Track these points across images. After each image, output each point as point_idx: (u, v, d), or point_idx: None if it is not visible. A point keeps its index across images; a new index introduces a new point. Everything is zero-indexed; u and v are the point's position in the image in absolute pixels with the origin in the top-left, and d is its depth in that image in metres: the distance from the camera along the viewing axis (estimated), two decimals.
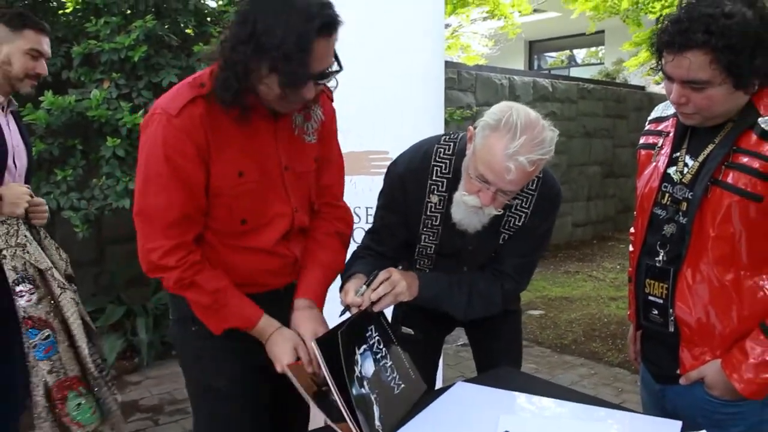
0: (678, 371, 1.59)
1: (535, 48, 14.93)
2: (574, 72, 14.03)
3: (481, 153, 1.59)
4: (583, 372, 4.24)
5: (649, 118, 1.76)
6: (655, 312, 1.61)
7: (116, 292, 4.52)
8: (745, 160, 1.44)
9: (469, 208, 1.65)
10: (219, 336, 1.58)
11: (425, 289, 1.74)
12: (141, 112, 3.70)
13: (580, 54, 15.42)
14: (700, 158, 1.52)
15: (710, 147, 1.50)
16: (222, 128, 1.47)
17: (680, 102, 1.46)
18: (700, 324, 1.52)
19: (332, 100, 1.70)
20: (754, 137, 1.44)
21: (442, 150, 1.80)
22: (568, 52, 15.43)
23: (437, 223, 1.82)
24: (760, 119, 1.44)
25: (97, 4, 3.92)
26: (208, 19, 4.49)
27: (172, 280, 1.49)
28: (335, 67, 1.46)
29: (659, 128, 1.69)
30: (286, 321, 1.60)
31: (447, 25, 9.94)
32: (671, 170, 1.59)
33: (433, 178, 1.79)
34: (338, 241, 1.73)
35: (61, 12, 4.21)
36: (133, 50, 3.75)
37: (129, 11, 4.02)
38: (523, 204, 1.77)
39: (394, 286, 1.62)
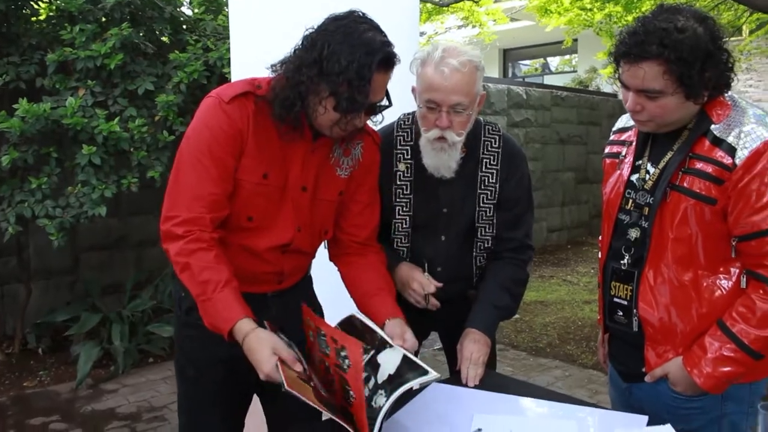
0: (643, 369, 1.65)
1: (509, 56, 15.11)
2: (548, 80, 14.21)
3: (419, 86, 1.77)
4: (557, 374, 4.31)
5: (613, 129, 1.83)
6: (620, 313, 1.67)
7: (91, 299, 4.49)
8: (699, 165, 1.52)
9: (433, 145, 1.77)
10: (197, 324, 1.60)
11: (493, 330, 1.90)
12: (117, 119, 3.70)
13: (554, 62, 15.62)
14: (660, 165, 1.59)
15: (669, 154, 1.58)
16: (263, 130, 1.58)
17: (635, 110, 1.54)
18: (663, 323, 1.59)
19: (378, 145, 1.80)
20: (707, 143, 1.52)
21: (403, 122, 1.94)
22: (542, 60, 15.63)
23: (408, 192, 1.90)
24: (712, 126, 1.52)
25: (71, 11, 3.92)
26: (184, 27, 4.51)
27: (174, 251, 1.52)
28: (385, 102, 1.59)
29: (622, 138, 1.76)
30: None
31: (422, 33, 10.04)
32: (634, 177, 1.66)
33: (398, 147, 1.91)
34: (385, 267, 1.84)
35: (34, 19, 4.19)
36: (108, 58, 3.76)
37: (104, 19, 4.03)
38: (492, 162, 1.89)
39: (480, 358, 1.79)
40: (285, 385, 1.34)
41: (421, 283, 1.85)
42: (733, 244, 1.52)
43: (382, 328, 1.65)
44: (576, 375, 4.29)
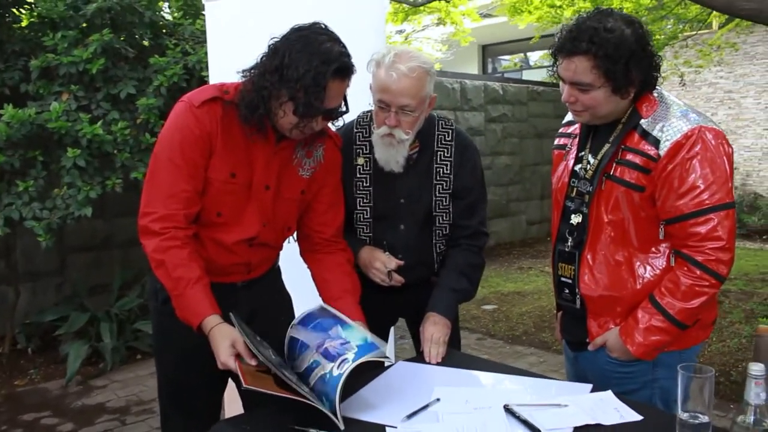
0: (587, 340, 1.82)
1: (488, 52, 15.27)
2: (527, 74, 14.39)
3: (373, 85, 1.90)
4: (532, 360, 4.48)
5: (563, 122, 1.99)
6: (566, 291, 1.85)
7: (79, 299, 4.60)
8: (629, 156, 1.69)
9: (384, 140, 1.92)
10: (173, 313, 1.74)
11: (452, 313, 2.02)
12: (100, 123, 3.82)
13: (534, 57, 15.79)
14: (599, 156, 1.75)
15: (606, 146, 1.74)
16: (230, 132, 1.72)
17: (570, 101, 1.71)
18: (602, 298, 1.76)
19: (339, 149, 1.94)
20: (636, 136, 1.69)
21: (362, 119, 2.08)
22: (521, 55, 15.79)
23: (368, 184, 2.05)
24: (641, 120, 1.69)
25: (53, 18, 4.02)
26: (164, 31, 4.62)
27: (151, 247, 1.65)
28: (343, 108, 1.72)
29: (569, 131, 1.93)
30: (240, 313, 1.74)
31: (400, 31, 10.18)
32: (577, 167, 1.82)
33: (357, 142, 2.06)
34: (351, 266, 1.97)
35: (16, 26, 4.28)
36: (90, 63, 3.87)
37: (85, 25, 4.12)
38: (446, 154, 2.05)
39: (441, 338, 1.92)
40: (243, 383, 1.48)
41: (383, 261, 2.00)
42: (661, 227, 1.69)
43: None
44: (550, 361, 4.46)
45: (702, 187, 1.61)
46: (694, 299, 1.64)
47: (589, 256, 1.76)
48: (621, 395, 1.61)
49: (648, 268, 1.71)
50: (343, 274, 1.92)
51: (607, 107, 1.69)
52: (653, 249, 1.72)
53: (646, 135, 1.67)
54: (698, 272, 1.63)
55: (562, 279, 1.85)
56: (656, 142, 1.64)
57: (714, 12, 7.15)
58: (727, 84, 10.41)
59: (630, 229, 1.71)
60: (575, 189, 1.82)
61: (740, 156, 10.09)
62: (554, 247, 1.91)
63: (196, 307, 1.63)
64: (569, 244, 1.82)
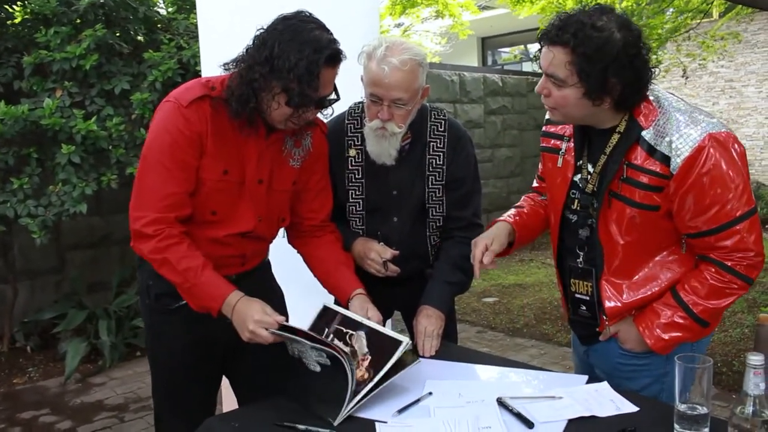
0: (597, 329, 1.75)
1: (487, 44, 15.22)
2: (527, 66, 14.32)
3: (365, 78, 1.87)
4: (533, 353, 4.45)
5: (546, 119, 1.84)
6: (584, 308, 1.76)
7: (78, 297, 4.59)
8: (636, 176, 1.58)
9: (375, 133, 1.89)
10: (166, 310, 1.75)
11: (446, 305, 2.01)
12: (94, 119, 3.79)
13: (534, 48, 15.71)
14: (598, 170, 1.66)
15: (603, 158, 1.64)
16: (220, 129, 1.68)
17: (543, 93, 1.61)
18: (627, 307, 1.69)
19: (326, 135, 1.92)
20: (641, 152, 1.57)
21: (353, 110, 2.05)
22: (521, 47, 15.73)
23: (360, 176, 2.02)
24: (643, 132, 1.57)
25: (46, 14, 3.99)
26: (158, 26, 4.58)
27: (147, 250, 1.63)
28: (333, 96, 1.69)
29: (555, 130, 1.80)
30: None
31: (399, 24, 10.13)
32: (577, 177, 1.72)
33: (348, 134, 2.03)
34: (341, 244, 1.99)
35: (9, 23, 4.26)
36: (84, 59, 3.84)
37: (79, 21, 4.09)
38: (438, 144, 2.01)
39: (434, 331, 1.91)
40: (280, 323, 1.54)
41: (378, 251, 1.97)
42: (683, 241, 1.64)
43: (347, 307, 1.79)
44: (551, 353, 4.43)
45: (721, 204, 1.53)
46: (722, 299, 1.59)
47: (609, 278, 1.69)
48: (629, 391, 1.57)
49: (670, 269, 1.66)
50: (335, 250, 1.94)
51: (578, 111, 1.59)
52: (674, 249, 1.66)
53: (652, 152, 1.55)
54: (728, 276, 1.57)
55: (577, 296, 1.77)
56: (666, 159, 1.53)
57: (714, 1, 7.11)
58: (728, 73, 10.36)
59: (650, 243, 1.64)
60: (577, 201, 1.72)
61: None
62: (559, 261, 1.83)
63: (212, 290, 1.63)
64: (582, 260, 1.74)
